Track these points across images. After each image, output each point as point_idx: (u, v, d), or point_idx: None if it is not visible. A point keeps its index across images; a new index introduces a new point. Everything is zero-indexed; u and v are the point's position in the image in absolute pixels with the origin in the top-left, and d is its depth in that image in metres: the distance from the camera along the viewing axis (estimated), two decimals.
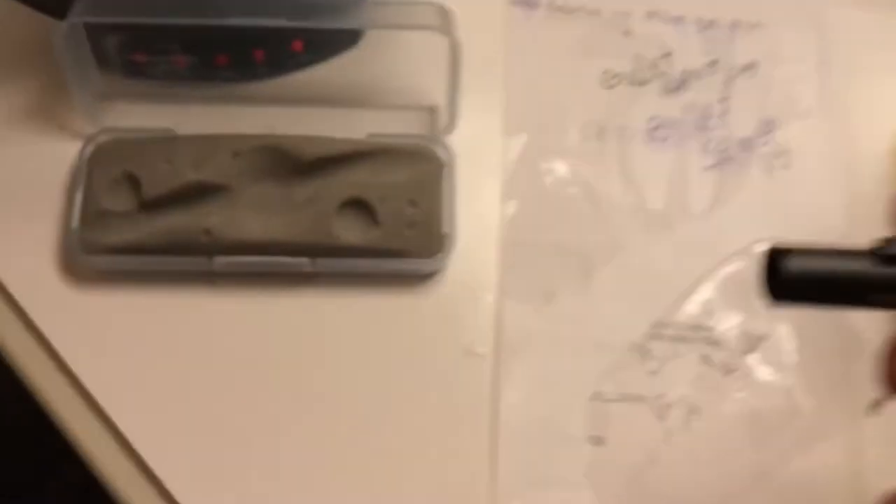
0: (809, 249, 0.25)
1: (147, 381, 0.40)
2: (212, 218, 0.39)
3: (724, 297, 0.42)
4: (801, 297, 0.25)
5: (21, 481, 0.82)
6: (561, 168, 0.44)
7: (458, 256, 0.42)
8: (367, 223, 0.40)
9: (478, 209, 0.42)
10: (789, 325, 0.41)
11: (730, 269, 0.42)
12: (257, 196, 0.40)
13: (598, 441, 0.40)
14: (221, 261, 0.39)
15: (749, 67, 0.46)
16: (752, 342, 0.41)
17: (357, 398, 0.40)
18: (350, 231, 0.40)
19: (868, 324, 0.40)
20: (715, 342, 0.41)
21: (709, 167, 0.44)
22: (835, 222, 0.43)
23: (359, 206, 0.40)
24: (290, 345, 0.40)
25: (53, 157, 0.42)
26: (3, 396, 0.50)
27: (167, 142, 0.41)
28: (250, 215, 0.40)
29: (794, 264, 0.25)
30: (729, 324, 0.41)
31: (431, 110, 0.43)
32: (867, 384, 0.38)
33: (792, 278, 0.25)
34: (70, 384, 0.40)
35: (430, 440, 0.39)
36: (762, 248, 0.43)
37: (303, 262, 0.40)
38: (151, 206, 0.40)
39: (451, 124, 0.42)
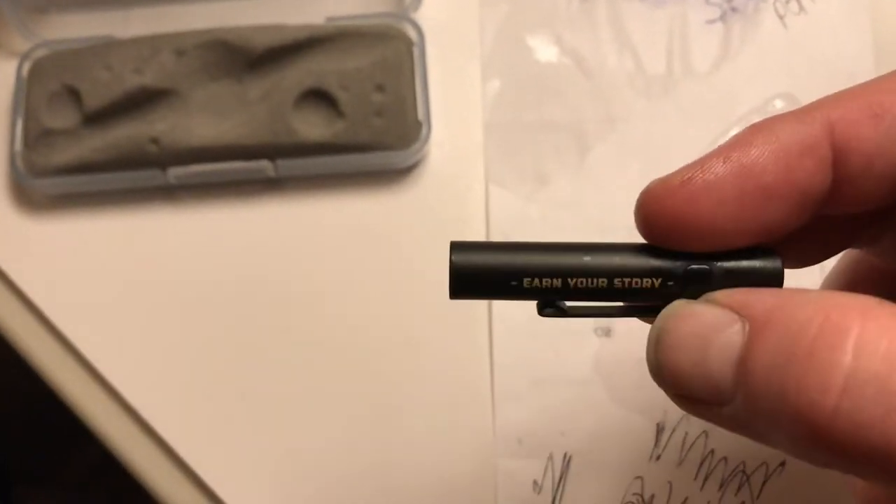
0: (486, 245, 0.22)
1: (109, 305, 0.37)
2: (158, 125, 0.36)
3: None
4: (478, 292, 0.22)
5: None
6: (546, 38, 0.39)
7: (438, 145, 0.38)
8: (329, 116, 0.36)
9: (456, 91, 0.38)
10: None
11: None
12: (207, 97, 0.36)
13: (605, 332, 0.36)
14: (175, 172, 0.36)
15: None
16: None
17: (341, 308, 0.36)
18: (311, 126, 0.36)
19: None
20: None
21: (712, 21, 0.39)
22: (863, 67, 0.38)
23: (319, 97, 0.36)
24: (260, 258, 0.37)
25: None
26: None
27: (105, 48, 0.37)
28: (200, 119, 0.36)
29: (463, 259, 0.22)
30: None
31: None
32: None
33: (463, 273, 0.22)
34: (31, 314, 0.37)
35: (426, 343, 0.36)
36: (781, 104, 0.39)
37: (263, 166, 0.36)
38: (94, 118, 0.36)
39: None
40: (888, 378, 0.17)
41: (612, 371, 0.36)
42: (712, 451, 0.36)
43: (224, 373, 0.36)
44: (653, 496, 0.35)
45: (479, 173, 0.37)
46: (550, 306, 0.22)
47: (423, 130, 0.36)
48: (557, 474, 0.35)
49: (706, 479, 0.36)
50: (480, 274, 0.22)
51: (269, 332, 0.36)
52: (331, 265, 0.37)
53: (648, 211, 0.22)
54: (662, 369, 0.20)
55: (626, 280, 0.22)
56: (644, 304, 0.22)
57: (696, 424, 0.36)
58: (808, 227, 0.22)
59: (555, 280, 0.22)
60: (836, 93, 0.22)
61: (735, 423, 0.19)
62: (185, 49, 0.36)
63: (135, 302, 0.37)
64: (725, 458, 0.36)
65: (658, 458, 0.36)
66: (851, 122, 0.21)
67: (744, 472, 0.36)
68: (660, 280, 0.21)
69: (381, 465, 0.35)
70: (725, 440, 0.36)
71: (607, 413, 0.36)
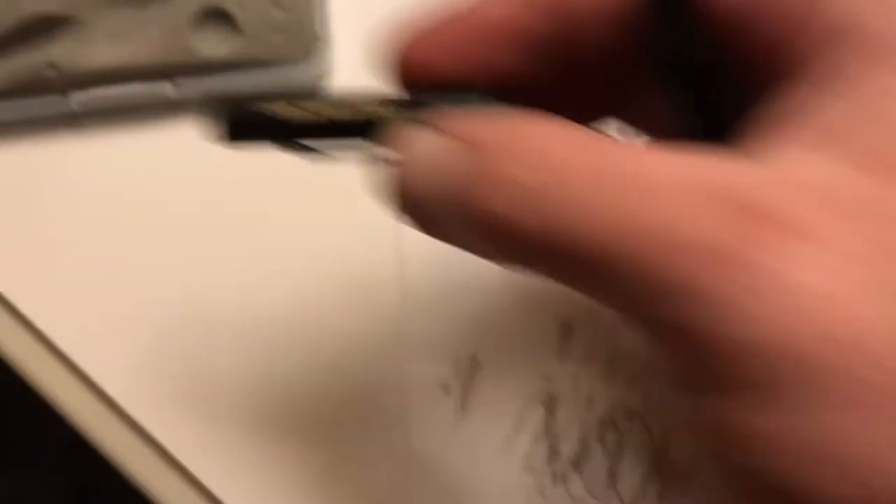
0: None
1: (24, 242, 0.37)
2: (55, 50, 0.36)
3: None
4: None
5: None
6: None
7: (345, 66, 0.38)
8: (228, 34, 0.36)
9: (364, 6, 0.39)
10: None
11: None
12: (106, 23, 0.36)
13: None
14: (77, 97, 0.36)
15: None
16: None
17: (253, 226, 0.37)
18: (210, 44, 0.36)
19: None
20: None
21: None
22: None
23: (218, 16, 0.36)
24: (171, 181, 0.37)
25: None
26: None
27: None
28: (100, 44, 0.36)
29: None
30: None
31: None
32: None
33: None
34: None
35: (333, 252, 0.37)
36: None
37: (165, 87, 0.36)
38: None
39: None
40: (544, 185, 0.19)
41: (517, 275, 0.37)
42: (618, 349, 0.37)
43: (137, 291, 0.36)
44: (559, 393, 0.36)
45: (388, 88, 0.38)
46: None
47: (321, 45, 0.37)
48: (466, 377, 0.36)
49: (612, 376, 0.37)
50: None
51: (179, 252, 0.37)
52: (238, 185, 0.37)
53: (402, 59, 0.24)
54: (394, 195, 0.22)
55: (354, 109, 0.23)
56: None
57: (602, 326, 0.37)
58: (562, 83, 0.23)
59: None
60: None
61: (462, 242, 0.22)
62: None
63: (45, 231, 0.37)
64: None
65: (564, 356, 0.37)
66: None
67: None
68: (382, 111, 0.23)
69: (286, 371, 0.36)
70: (633, 340, 0.37)
71: (513, 315, 0.37)
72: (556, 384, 0.36)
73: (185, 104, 0.37)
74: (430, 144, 0.21)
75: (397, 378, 0.36)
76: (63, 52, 0.36)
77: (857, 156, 0.19)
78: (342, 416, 0.35)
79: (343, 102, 0.23)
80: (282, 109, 0.24)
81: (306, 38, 0.37)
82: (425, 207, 0.21)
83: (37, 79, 0.36)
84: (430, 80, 0.23)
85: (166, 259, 0.37)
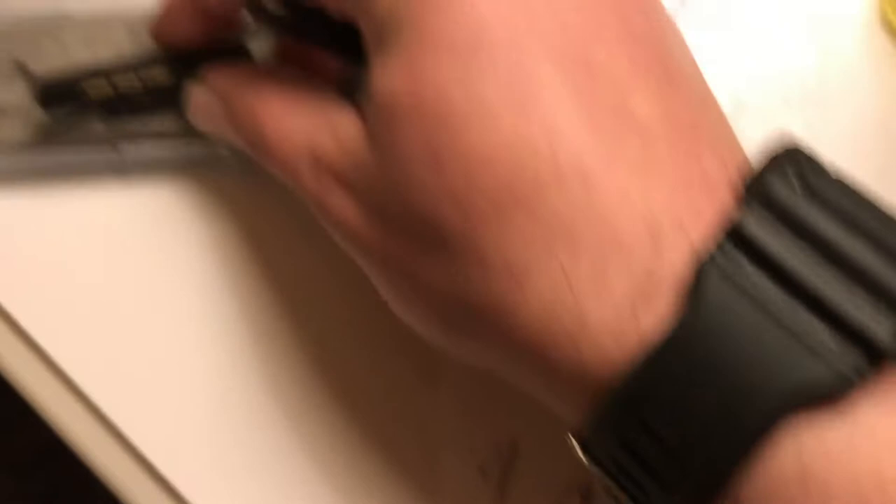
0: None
1: (64, 287, 0.36)
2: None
3: None
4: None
5: None
6: None
7: None
8: None
9: None
10: None
11: None
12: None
13: None
14: (128, 150, 0.36)
15: None
16: None
17: (298, 277, 0.37)
18: None
19: None
20: None
21: None
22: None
23: None
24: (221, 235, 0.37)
25: None
26: None
27: (57, 23, 0.36)
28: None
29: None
30: None
31: None
32: None
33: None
34: None
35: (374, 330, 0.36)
36: None
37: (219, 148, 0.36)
38: None
39: None
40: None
41: None
42: None
43: (180, 347, 0.36)
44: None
45: None
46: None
47: None
48: (505, 463, 0.36)
49: None
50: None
51: (215, 305, 0.36)
52: (271, 244, 0.37)
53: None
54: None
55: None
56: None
57: None
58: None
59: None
60: None
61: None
62: (137, 27, 0.36)
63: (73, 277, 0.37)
64: None
65: None
66: None
67: None
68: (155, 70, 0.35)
69: (321, 452, 0.36)
70: None
71: None
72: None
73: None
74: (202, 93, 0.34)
75: (433, 460, 0.35)
76: None
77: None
78: (377, 496, 0.35)
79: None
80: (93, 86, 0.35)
81: None
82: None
83: (87, 129, 0.35)
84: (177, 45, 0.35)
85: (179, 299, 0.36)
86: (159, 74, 0.35)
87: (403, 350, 0.36)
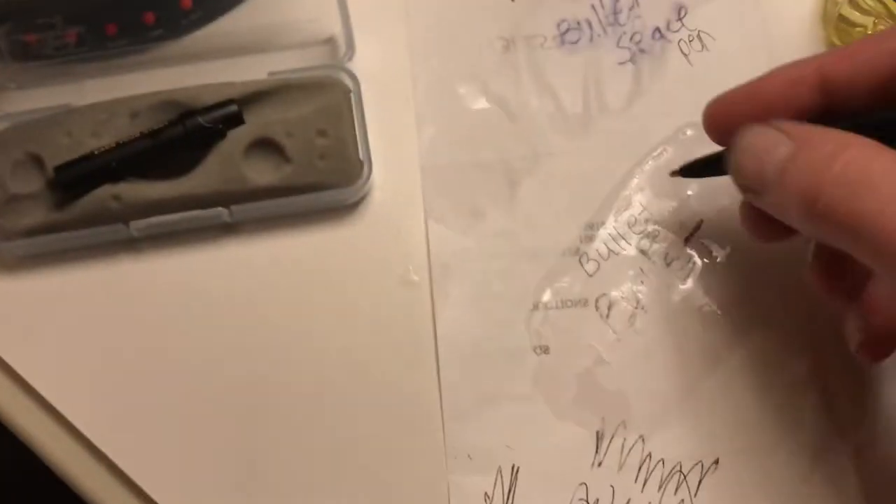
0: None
1: (84, 359, 0.39)
2: (119, 184, 0.39)
3: (654, 187, 0.41)
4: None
5: None
6: (474, 87, 0.42)
7: (380, 185, 0.41)
8: (278, 161, 0.39)
9: (393, 135, 0.41)
10: (725, 206, 0.40)
11: (658, 159, 0.41)
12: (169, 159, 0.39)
13: (543, 350, 0.39)
14: (137, 225, 0.39)
15: None
16: (690, 228, 0.40)
17: (297, 341, 0.39)
18: (261, 172, 0.39)
19: None
20: (651, 235, 0.40)
21: (623, 62, 0.43)
22: None
23: (267, 146, 0.39)
24: (222, 299, 0.40)
25: None
26: None
27: (64, 116, 0.40)
28: (159, 174, 0.39)
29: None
30: (663, 214, 0.40)
31: (330, 41, 0.42)
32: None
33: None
34: (7, 376, 0.39)
35: (376, 374, 0.39)
36: (691, 132, 0.42)
37: (220, 213, 0.39)
38: None
39: (350, 50, 0.41)
40: (857, 183, 0.29)
41: (550, 386, 0.39)
42: (650, 455, 0.38)
43: (187, 407, 0.38)
44: (597, 500, 0.38)
45: (418, 211, 0.41)
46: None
47: (365, 168, 0.40)
48: (507, 486, 0.38)
49: (646, 481, 0.38)
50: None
51: (225, 365, 0.39)
52: (284, 299, 0.39)
53: (706, 114, 0.36)
54: (736, 169, 0.34)
55: None
56: None
57: (632, 432, 0.39)
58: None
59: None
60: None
61: (771, 206, 0.33)
62: (139, 111, 0.39)
63: (103, 348, 0.39)
64: (662, 461, 0.38)
65: (599, 464, 0.38)
66: (833, 62, 0.33)
67: (680, 471, 0.38)
68: None
69: (337, 490, 0.37)
70: (661, 444, 0.39)
71: (549, 425, 0.38)
72: (594, 490, 0.38)
73: (237, 225, 0.40)
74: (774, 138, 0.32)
75: (441, 490, 0.37)
76: (126, 186, 0.39)
77: None
78: None
79: None
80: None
81: (349, 163, 0.39)
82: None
83: (103, 211, 0.38)
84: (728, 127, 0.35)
85: (212, 364, 0.39)
86: (168, 132, 0.39)
87: None
